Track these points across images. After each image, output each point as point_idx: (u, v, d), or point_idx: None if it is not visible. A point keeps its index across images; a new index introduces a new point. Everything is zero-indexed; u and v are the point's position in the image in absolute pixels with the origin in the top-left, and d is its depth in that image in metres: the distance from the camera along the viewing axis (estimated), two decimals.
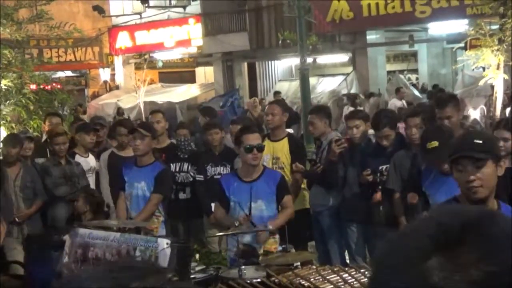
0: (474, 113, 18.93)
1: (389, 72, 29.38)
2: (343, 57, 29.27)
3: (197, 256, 7.36)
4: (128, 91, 31.34)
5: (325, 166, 8.20)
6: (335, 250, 8.59)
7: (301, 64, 19.25)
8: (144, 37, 33.12)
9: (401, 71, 29.80)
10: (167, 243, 5.70)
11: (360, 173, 7.80)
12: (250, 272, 6.15)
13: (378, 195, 7.80)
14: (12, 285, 6.72)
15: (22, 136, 9.86)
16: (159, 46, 32.58)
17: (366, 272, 4.98)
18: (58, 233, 7.80)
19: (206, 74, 35.70)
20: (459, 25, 22.87)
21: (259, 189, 6.91)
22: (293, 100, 24.79)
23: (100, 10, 32.54)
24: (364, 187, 7.89)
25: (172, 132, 11.25)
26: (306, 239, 8.87)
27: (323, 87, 27.57)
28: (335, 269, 5.38)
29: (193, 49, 32.55)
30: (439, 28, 25.70)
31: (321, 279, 5.17)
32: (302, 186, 8.76)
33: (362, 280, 4.93)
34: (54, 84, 15.05)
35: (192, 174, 9.54)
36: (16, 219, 9.16)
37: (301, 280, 5.23)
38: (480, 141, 3.95)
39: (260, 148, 6.87)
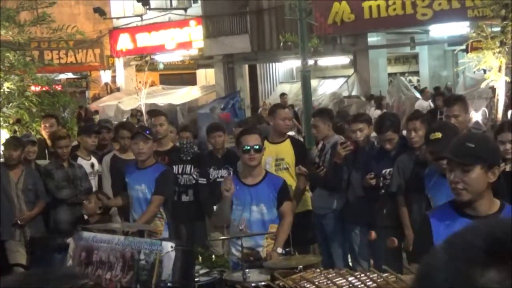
0: (476, 116, 18.92)
1: (390, 74, 29.37)
2: (344, 59, 29.28)
3: (200, 258, 7.36)
4: (129, 93, 31.38)
5: (328, 169, 8.19)
6: (339, 253, 8.57)
7: (303, 66, 19.28)
8: (145, 39, 33.13)
9: (402, 73, 29.78)
10: (171, 246, 5.69)
11: (364, 176, 7.79)
12: (254, 276, 6.14)
13: (373, 234, 7.79)
14: None
15: (25, 140, 9.86)
16: (160, 48, 32.60)
17: (372, 276, 4.96)
18: (61, 235, 7.81)
19: (207, 76, 35.71)
20: (460, 28, 22.87)
21: (261, 193, 6.90)
22: (294, 103, 24.81)
23: (101, 12, 32.57)
24: (367, 191, 7.88)
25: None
26: (309, 241, 8.86)
27: (324, 89, 27.59)
28: (341, 272, 5.37)
29: (194, 51, 32.58)
30: (440, 30, 25.70)
31: (325, 282, 5.16)
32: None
33: (368, 284, 4.92)
34: (55, 86, 15.06)
35: (195, 176, 9.54)
36: (19, 222, 9.16)
37: (306, 283, 5.22)
38: (472, 145, 3.90)
39: (258, 149, 6.84)
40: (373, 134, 8.54)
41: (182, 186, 9.54)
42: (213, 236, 8.90)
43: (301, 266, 5.78)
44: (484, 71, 18.24)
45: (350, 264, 8.51)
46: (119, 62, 35.08)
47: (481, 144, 4.00)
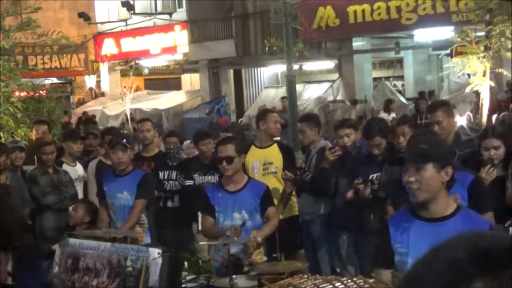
0: (461, 120, 19.00)
1: (375, 79, 29.48)
2: (329, 64, 29.34)
3: (186, 264, 7.33)
4: (114, 98, 31.34)
5: (315, 174, 8.18)
6: (325, 259, 8.57)
7: (288, 71, 19.29)
8: (130, 44, 33.09)
9: (387, 78, 29.89)
10: (158, 253, 5.66)
11: (351, 181, 7.79)
12: (241, 281, 6.13)
13: (349, 194, 7.78)
14: None
15: (14, 146, 9.80)
16: (145, 53, 32.56)
17: (359, 282, 4.96)
18: (47, 242, 7.76)
19: (192, 81, 35.71)
20: (445, 32, 22.99)
21: (242, 200, 6.91)
22: (279, 107, 24.83)
23: (85, 17, 32.49)
24: (355, 196, 7.87)
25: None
26: (296, 247, 8.85)
27: (309, 94, 27.64)
28: (328, 278, 5.36)
29: (179, 56, 32.56)
30: (425, 35, 25.82)
31: None
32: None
33: None
34: (39, 91, 14.98)
35: (180, 182, 9.51)
36: None
37: None
38: (425, 146, 4.14)
39: (229, 161, 6.86)
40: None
41: (168, 192, 9.52)
42: (200, 239, 8.88)
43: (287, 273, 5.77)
44: (469, 75, 18.34)
45: (337, 269, 8.51)
46: (103, 67, 35.02)
47: (434, 145, 4.26)
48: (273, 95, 28.09)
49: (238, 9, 29.21)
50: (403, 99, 25.48)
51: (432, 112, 7.23)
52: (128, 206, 7.81)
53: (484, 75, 17.27)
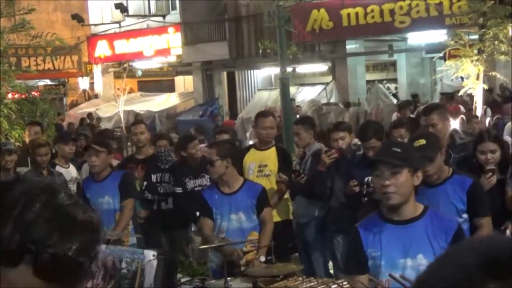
0: (454, 123, 19.01)
1: (368, 82, 29.48)
2: (323, 67, 29.37)
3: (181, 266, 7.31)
4: (107, 100, 31.33)
5: (309, 177, 8.17)
6: (320, 261, 8.56)
7: (281, 74, 19.27)
8: (123, 46, 33.06)
9: (381, 81, 29.90)
10: (153, 255, 5.66)
11: (346, 184, 7.78)
12: (236, 283, 6.13)
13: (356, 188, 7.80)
14: None
15: (3, 148, 9.75)
16: (138, 55, 32.55)
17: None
18: None
19: (185, 83, 35.70)
20: (438, 35, 23.02)
21: (239, 201, 6.95)
22: (272, 110, 24.82)
23: (79, 19, 32.46)
24: (350, 198, 7.87)
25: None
26: (290, 251, 8.83)
27: (303, 96, 27.67)
28: (324, 280, 5.37)
29: (172, 58, 32.56)
30: (418, 38, 25.86)
31: None
32: (286, 196, 8.74)
33: None
34: (33, 93, 14.95)
35: (168, 189, 9.51)
36: None
37: None
38: (399, 150, 4.22)
39: (211, 164, 6.93)
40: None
41: (161, 194, 9.50)
42: (197, 241, 8.85)
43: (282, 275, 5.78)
44: (462, 78, 18.36)
45: (332, 272, 8.51)
46: (97, 69, 34.99)
47: (406, 149, 4.38)
48: (266, 98, 28.09)
49: (232, 12, 29.22)
50: (396, 102, 25.50)
51: (428, 115, 7.23)
52: (112, 210, 7.85)
53: (477, 78, 17.29)
